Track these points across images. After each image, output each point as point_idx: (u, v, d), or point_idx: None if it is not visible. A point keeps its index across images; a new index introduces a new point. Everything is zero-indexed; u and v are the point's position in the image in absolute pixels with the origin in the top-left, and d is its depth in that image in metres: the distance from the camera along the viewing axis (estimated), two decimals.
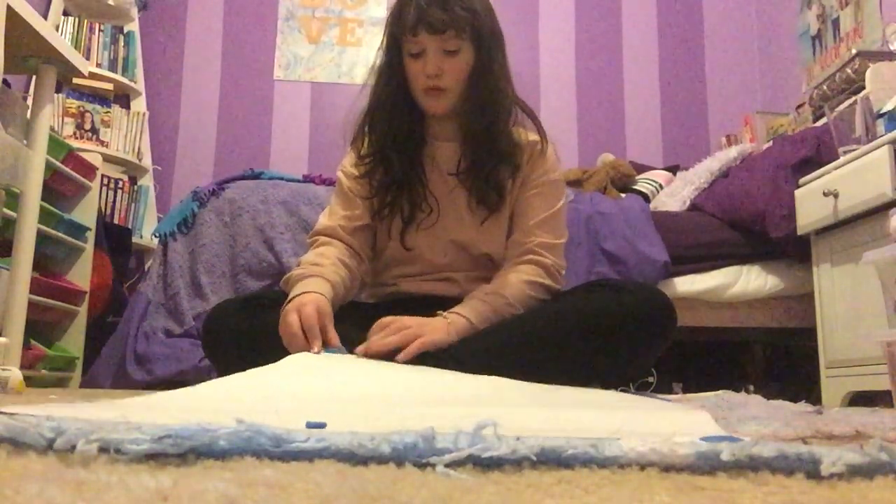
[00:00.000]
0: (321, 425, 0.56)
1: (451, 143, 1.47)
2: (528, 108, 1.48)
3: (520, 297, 1.35)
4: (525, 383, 1.09)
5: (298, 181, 2.56)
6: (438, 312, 1.30)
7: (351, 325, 1.32)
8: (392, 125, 1.43)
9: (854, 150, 1.98)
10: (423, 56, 1.36)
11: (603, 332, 1.27)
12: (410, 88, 1.41)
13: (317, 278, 1.30)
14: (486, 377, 1.12)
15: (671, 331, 1.32)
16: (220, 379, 1.00)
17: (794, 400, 1.48)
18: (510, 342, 1.27)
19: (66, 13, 3.24)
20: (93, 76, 3.06)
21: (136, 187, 3.28)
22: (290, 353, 1.19)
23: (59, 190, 2.29)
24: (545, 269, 1.40)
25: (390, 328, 1.23)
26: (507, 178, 1.44)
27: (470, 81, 1.40)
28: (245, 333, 1.33)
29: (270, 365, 1.04)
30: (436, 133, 1.48)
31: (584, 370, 1.27)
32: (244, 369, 1.06)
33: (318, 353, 1.16)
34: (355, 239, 1.45)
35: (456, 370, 1.20)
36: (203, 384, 0.93)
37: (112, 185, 3.15)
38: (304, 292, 1.25)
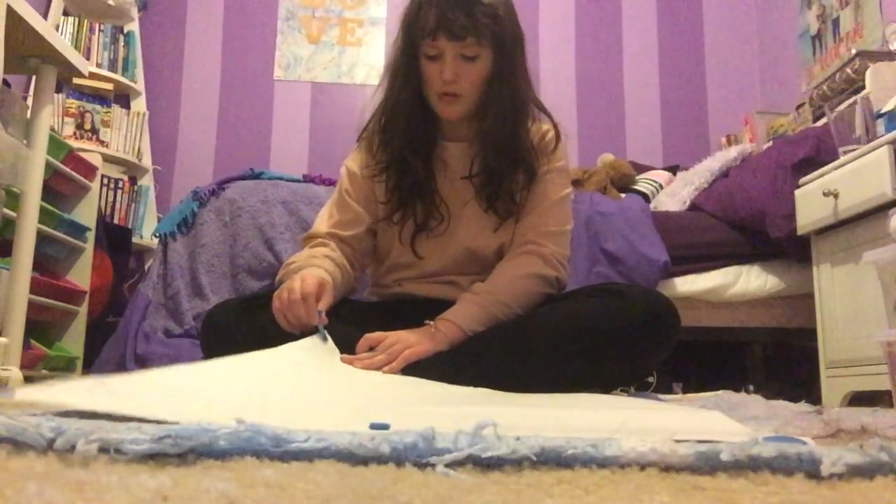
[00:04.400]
0: (385, 426, 0.55)
1: (461, 144, 1.44)
2: (544, 106, 1.45)
3: (514, 294, 1.32)
4: (518, 394, 1.08)
5: (298, 181, 2.56)
6: (427, 322, 1.28)
7: (352, 324, 1.32)
8: (409, 127, 1.39)
9: (854, 150, 1.98)
10: (439, 59, 1.32)
11: (605, 340, 1.23)
12: (425, 90, 1.37)
13: (315, 269, 1.29)
14: (479, 389, 1.11)
15: (674, 338, 1.29)
16: (212, 361, 0.97)
17: (794, 400, 1.48)
18: (508, 348, 1.25)
19: (66, 13, 3.24)
20: (93, 76, 3.06)
21: (136, 187, 3.28)
22: (284, 325, 1.19)
23: (59, 190, 2.29)
24: (543, 258, 1.36)
25: (379, 348, 1.22)
26: (523, 187, 1.41)
27: (488, 87, 1.36)
28: (244, 333, 1.31)
29: (258, 355, 1.02)
30: (446, 133, 1.45)
31: (583, 376, 1.25)
32: None
33: (316, 324, 1.17)
34: (348, 246, 1.43)
35: (450, 375, 1.19)
36: (205, 364, 0.91)
37: (112, 185, 3.15)
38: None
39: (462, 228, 1.43)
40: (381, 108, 1.43)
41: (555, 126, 1.48)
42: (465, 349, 1.26)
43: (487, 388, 1.15)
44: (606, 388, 1.30)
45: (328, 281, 1.26)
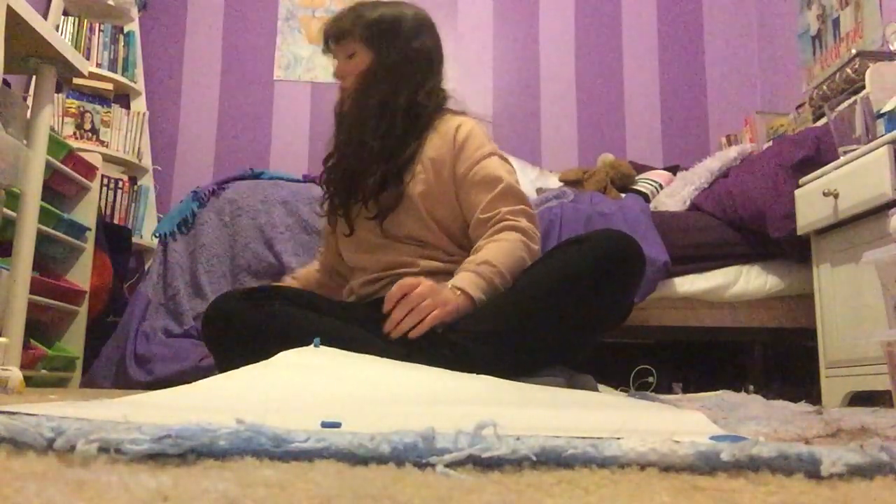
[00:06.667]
0: (336, 425, 0.56)
1: None
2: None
3: (507, 262, 1.40)
4: (520, 384, 1.09)
5: (298, 181, 2.56)
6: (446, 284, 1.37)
7: (349, 323, 1.40)
8: None
9: (854, 150, 1.98)
10: None
11: (575, 280, 1.34)
12: None
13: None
14: (482, 377, 1.12)
15: (633, 268, 1.39)
16: (220, 376, 1.00)
17: (794, 400, 1.48)
18: (501, 312, 1.35)
19: (66, 13, 3.23)
20: (93, 76, 3.06)
21: (136, 187, 3.28)
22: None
23: (59, 190, 2.29)
24: (523, 232, 1.45)
25: (407, 300, 1.32)
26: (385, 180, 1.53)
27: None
28: (249, 321, 1.37)
29: (266, 362, 1.04)
30: None
31: (571, 319, 1.35)
32: (244, 357, 1.08)
33: None
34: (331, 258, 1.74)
35: (451, 349, 1.28)
36: (203, 381, 0.93)
37: (112, 185, 3.15)
38: None
39: (363, 230, 1.58)
40: None
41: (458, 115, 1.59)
42: (460, 323, 1.34)
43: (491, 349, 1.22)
44: (592, 329, 1.41)
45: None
